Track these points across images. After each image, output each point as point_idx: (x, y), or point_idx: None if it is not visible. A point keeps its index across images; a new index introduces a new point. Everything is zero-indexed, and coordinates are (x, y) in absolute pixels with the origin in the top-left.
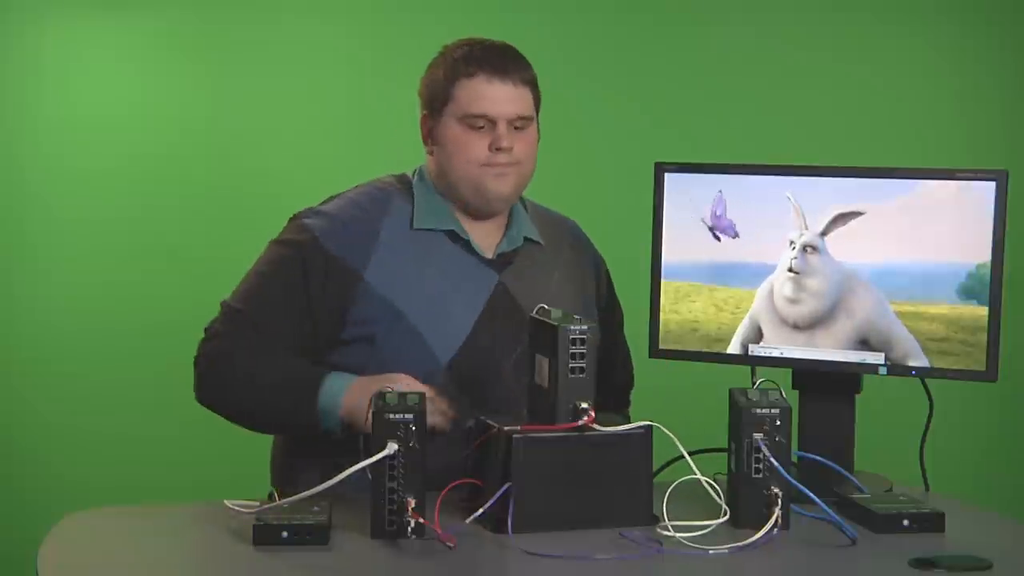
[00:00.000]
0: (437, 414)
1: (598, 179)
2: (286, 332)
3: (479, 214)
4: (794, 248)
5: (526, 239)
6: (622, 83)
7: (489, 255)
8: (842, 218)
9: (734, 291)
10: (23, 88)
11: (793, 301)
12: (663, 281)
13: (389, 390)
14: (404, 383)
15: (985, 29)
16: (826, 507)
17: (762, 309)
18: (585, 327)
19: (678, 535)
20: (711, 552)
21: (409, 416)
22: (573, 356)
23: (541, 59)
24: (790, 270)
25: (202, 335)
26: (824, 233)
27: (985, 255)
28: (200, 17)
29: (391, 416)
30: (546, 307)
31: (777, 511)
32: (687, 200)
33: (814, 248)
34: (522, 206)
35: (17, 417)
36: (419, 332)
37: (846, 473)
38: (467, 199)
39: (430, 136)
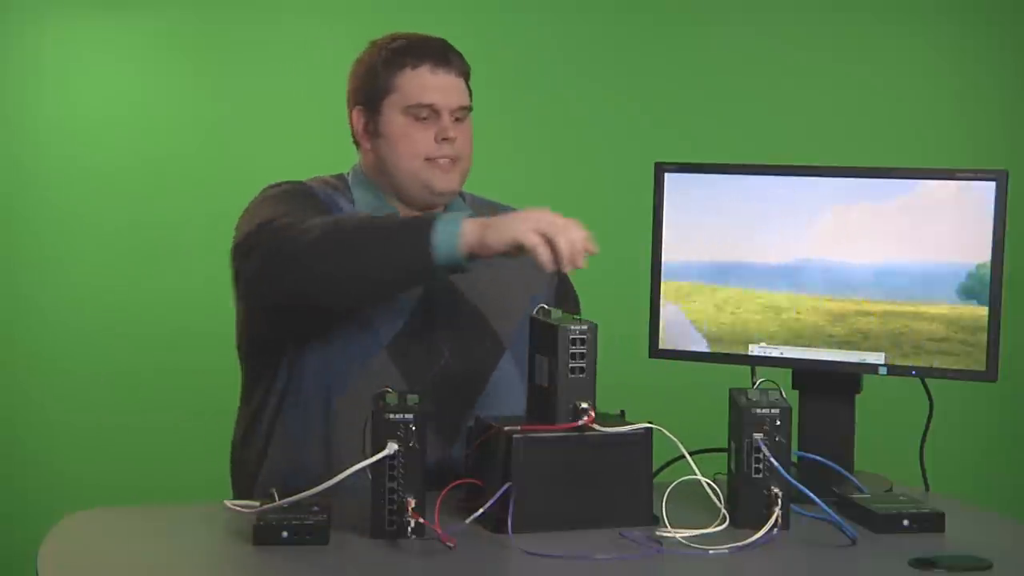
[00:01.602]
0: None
1: (598, 179)
2: None
3: (421, 207)
4: None
5: None
6: (622, 83)
7: None
8: None
9: (734, 291)
10: (23, 88)
11: None
12: (663, 281)
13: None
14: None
15: (985, 29)
16: (826, 507)
17: None
18: (585, 327)
19: (678, 535)
20: (711, 552)
21: (409, 416)
22: (573, 356)
23: (541, 59)
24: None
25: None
26: None
27: (985, 255)
28: (200, 17)
29: (391, 416)
30: (546, 307)
31: (777, 511)
32: (687, 200)
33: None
34: (460, 197)
35: (18, 416)
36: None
37: (846, 473)
38: (412, 194)
39: (366, 132)
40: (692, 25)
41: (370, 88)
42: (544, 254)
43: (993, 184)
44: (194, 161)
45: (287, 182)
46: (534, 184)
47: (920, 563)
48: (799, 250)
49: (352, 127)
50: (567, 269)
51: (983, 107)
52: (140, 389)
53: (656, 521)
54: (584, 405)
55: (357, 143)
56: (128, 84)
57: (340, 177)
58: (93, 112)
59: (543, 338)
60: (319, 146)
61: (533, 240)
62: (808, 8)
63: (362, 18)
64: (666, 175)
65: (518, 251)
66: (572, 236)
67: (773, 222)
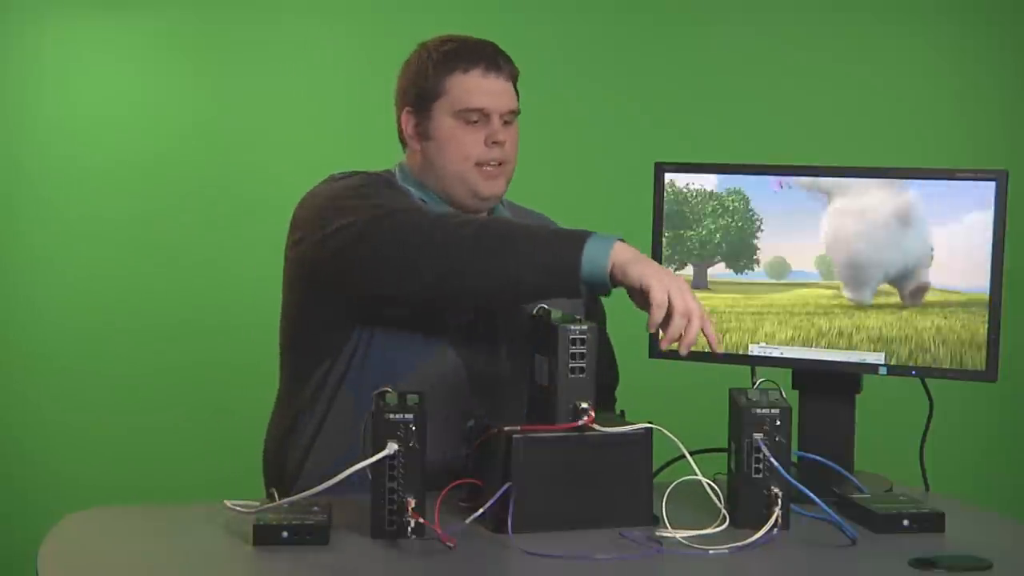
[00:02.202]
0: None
1: (598, 179)
2: None
3: (465, 211)
4: None
5: None
6: (622, 83)
7: None
8: None
9: (734, 290)
10: (23, 88)
11: None
12: None
13: (388, 392)
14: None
15: (985, 29)
16: (826, 507)
17: None
18: (585, 327)
19: (678, 535)
20: (711, 552)
21: (409, 416)
22: (573, 356)
23: (541, 59)
24: None
25: (330, 239)
26: None
27: (985, 255)
28: (200, 17)
29: (391, 416)
30: (546, 307)
31: (777, 511)
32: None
33: None
34: (499, 202)
35: (17, 417)
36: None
37: (846, 473)
38: (458, 197)
39: (416, 133)
40: (692, 25)
41: (420, 90)
42: (658, 317)
43: (993, 184)
44: (194, 161)
45: (359, 172)
46: (534, 184)
47: (920, 563)
48: (799, 250)
49: (400, 128)
50: (666, 346)
51: (983, 107)
52: (139, 389)
53: (656, 521)
54: (584, 405)
55: (404, 143)
56: (128, 84)
57: (389, 172)
58: (93, 112)
59: (543, 338)
60: (318, 146)
61: (660, 298)
62: (808, 8)
63: (362, 18)
64: (666, 175)
65: (639, 295)
66: (693, 323)
67: (772, 222)
